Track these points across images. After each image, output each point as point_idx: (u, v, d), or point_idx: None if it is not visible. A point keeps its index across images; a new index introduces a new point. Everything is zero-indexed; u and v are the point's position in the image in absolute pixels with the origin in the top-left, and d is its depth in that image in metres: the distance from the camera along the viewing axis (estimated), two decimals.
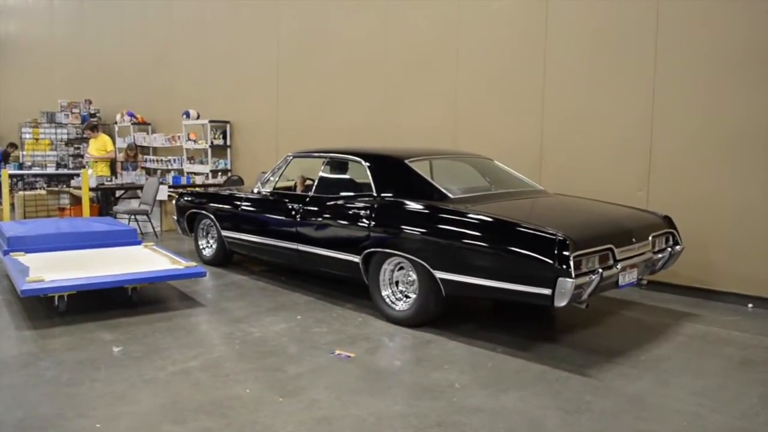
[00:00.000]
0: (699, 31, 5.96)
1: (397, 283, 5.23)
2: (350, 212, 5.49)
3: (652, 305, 5.86)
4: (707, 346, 4.75)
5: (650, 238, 4.96)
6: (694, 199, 6.05)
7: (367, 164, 5.62)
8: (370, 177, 5.53)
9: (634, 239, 4.74)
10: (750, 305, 5.87)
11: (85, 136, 11.35)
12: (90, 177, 9.26)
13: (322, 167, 6.12)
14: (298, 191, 6.55)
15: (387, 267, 5.22)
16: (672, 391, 3.90)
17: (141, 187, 9.76)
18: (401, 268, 5.16)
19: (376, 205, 5.33)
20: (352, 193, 5.69)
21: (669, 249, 5.19)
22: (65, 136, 13.74)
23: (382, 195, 5.38)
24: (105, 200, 9.89)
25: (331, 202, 5.73)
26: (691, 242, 5.71)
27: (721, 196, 5.93)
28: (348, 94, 9.14)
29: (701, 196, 6.03)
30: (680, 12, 6.06)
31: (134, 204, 9.79)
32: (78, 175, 9.62)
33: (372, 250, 5.23)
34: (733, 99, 5.81)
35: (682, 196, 6.10)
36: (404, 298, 5.17)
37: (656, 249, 5.05)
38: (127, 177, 10.26)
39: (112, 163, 11.61)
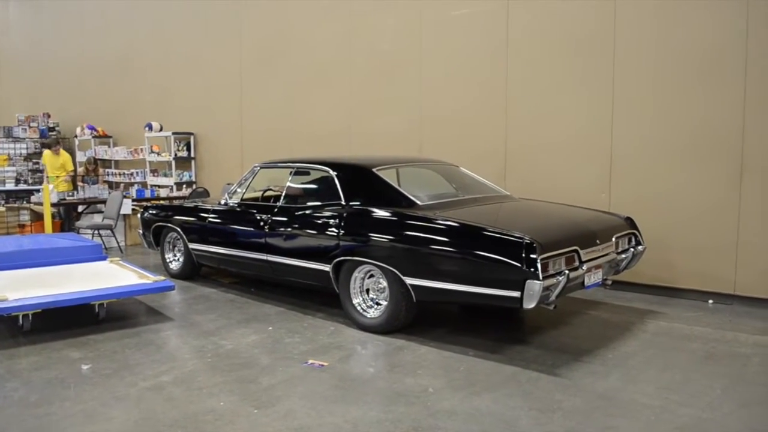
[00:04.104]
0: (656, 35, 6.14)
1: (368, 290, 5.26)
2: (319, 221, 5.50)
3: (618, 304, 5.99)
4: (672, 342, 4.88)
5: (614, 239, 5.08)
6: (655, 199, 6.22)
7: (335, 173, 5.65)
8: (339, 186, 5.55)
9: (598, 241, 4.86)
10: (710, 301, 6.05)
11: (53, 150, 11.00)
12: (51, 192, 9.09)
13: (290, 177, 6.13)
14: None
15: (357, 275, 5.24)
16: (639, 386, 4.00)
17: (104, 202, 9.61)
18: (371, 276, 5.20)
19: (345, 214, 5.36)
20: (320, 203, 5.70)
21: (632, 249, 5.32)
22: (24, 151, 13.45)
23: (351, 204, 5.41)
24: (67, 216, 9.72)
25: (300, 212, 5.74)
26: (653, 242, 5.86)
27: (681, 196, 6.10)
28: (313, 102, 9.16)
29: (661, 196, 6.20)
30: (637, 17, 6.24)
31: (97, 219, 9.64)
32: (38, 190, 9.44)
33: (342, 258, 5.25)
34: (691, 101, 5.99)
35: (643, 198, 6.26)
36: (375, 306, 5.20)
37: (620, 250, 5.17)
38: (88, 191, 10.10)
39: (73, 178, 11.40)
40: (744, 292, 5.89)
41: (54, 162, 10.89)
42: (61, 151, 11.22)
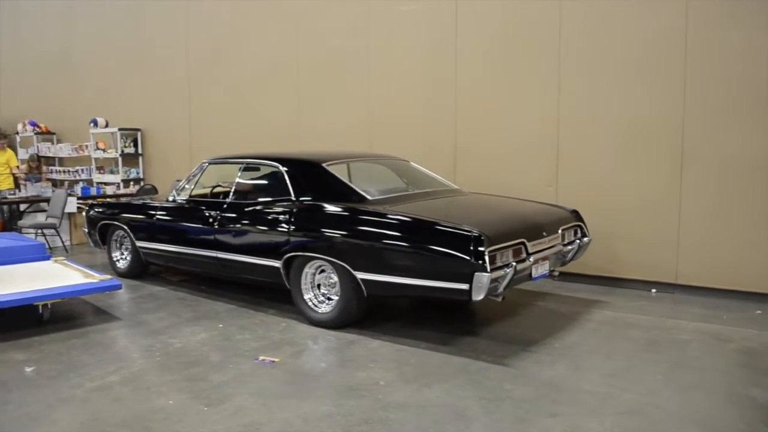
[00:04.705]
0: (599, 32, 6.30)
1: (319, 286, 5.26)
2: (269, 217, 5.47)
3: (564, 295, 6.14)
4: (616, 331, 5.03)
5: (560, 231, 5.20)
6: (600, 192, 6.38)
7: (285, 169, 5.62)
8: (288, 181, 5.53)
9: (544, 233, 4.96)
10: (653, 290, 6.24)
11: None
12: None
13: (239, 173, 6.07)
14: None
15: (308, 270, 5.24)
16: (584, 374, 4.12)
17: (47, 200, 9.34)
18: (322, 271, 5.20)
19: (295, 209, 5.34)
20: (270, 198, 5.67)
21: (578, 241, 5.46)
22: None
23: (301, 199, 5.40)
24: (11, 215, 9.41)
25: (250, 208, 5.70)
26: (599, 234, 6.02)
27: (624, 188, 6.28)
28: (262, 98, 9.08)
29: (606, 189, 6.37)
30: (581, 13, 6.39)
31: (41, 218, 9.37)
32: None
33: (292, 254, 5.23)
34: (632, 96, 6.17)
35: (588, 190, 6.42)
36: (327, 301, 5.21)
37: (566, 241, 5.30)
38: (31, 189, 9.80)
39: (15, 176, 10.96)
40: (685, 281, 6.11)
41: (1, 157, 10.34)
42: (7, 148, 10.73)
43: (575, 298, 6.02)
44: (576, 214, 5.66)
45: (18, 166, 10.72)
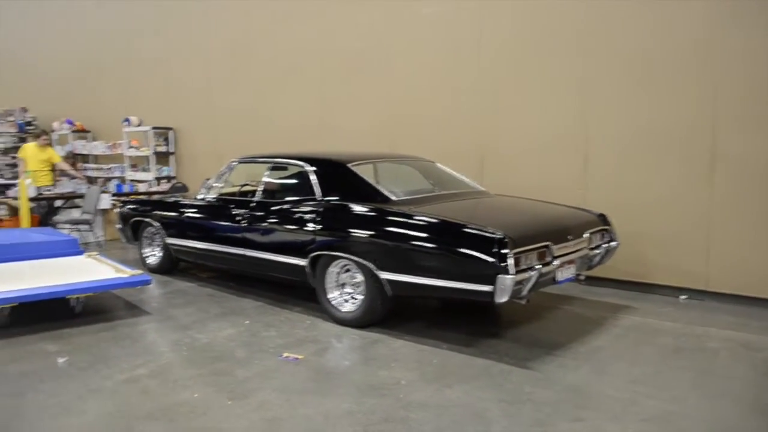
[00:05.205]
0: (627, 33, 6.23)
1: (343, 285, 5.30)
2: (295, 216, 5.53)
3: (591, 299, 6.09)
4: (642, 337, 4.98)
5: (586, 235, 5.16)
6: (629, 196, 6.31)
7: (312, 168, 5.68)
8: (315, 181, 5.59)
9: (570, 236, 4.93)
10: (683, 297, 6.15)
11: (39, 142, 10.35)
12: (28, 186, 9.02)
13: (267, 172, 6.14)
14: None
15: (333, 269, 5.29)
16: (609, 379, 4.08)
17: (82, 196, 9.56)
18: (347, 270, 5.24)
19: (321, 209, 5.39)
20: (296, 198, 5.73)
21: (605, 245, 5.40)
22: (1, 145, 13.30)
23: (327, 198, 5.45)
24: (47, 210, 9.63)
25: (276, 207, 5.77)
26: (628, 238, 5.95)
27: (653, 192, 6.20)
28: (286, 98, 9.17)
29: (635, 192, 6.29)
30: (608, 15, 6.32)
31: (76, 214, 9.58)
32: (15, 185, 9.34)
33: (318, 253, 5.29)
34: (662, 98, 6.08)
35: (617, 194, 6.35)
36: (351, 300, 5.25)
37: (592, 245, 5.26)
38: (67, 186, 10.01)
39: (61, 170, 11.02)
40: (716, 288, 5.99)
41: (38, 155, 10.18)
42: (48, 144, 10.60)
43: (602, 303, 5.96)
44: (603, 218, 5.61)
45: (60, 162, 10.65)
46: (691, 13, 5.88)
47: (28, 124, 13.59)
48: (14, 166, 13.00)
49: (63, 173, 10.53)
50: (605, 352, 4.61)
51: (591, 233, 5.25)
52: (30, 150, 10.11)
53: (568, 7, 6.56)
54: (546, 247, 4.59)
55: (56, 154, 10.59)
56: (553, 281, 4.74)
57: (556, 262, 4.61)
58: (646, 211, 6.24)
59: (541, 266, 4.42)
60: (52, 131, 13.13)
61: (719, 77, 5.77)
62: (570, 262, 4.85)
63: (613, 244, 5.51)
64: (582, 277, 5.33)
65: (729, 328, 5.21)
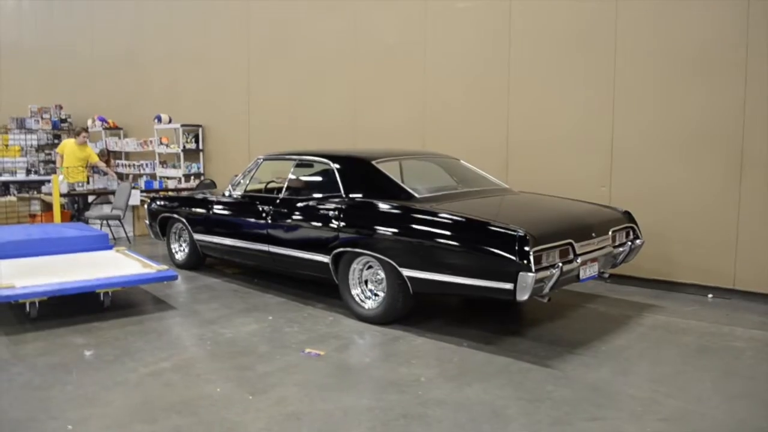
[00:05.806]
0: (657, 30, 6.15)
1: (366, 281, 5.33)
2: (319, 213, 5.58)
3: (616, 298, 6.03)
4: (666, 336, 4.92)
5: (610, 232, 5.11)
6: (655, 193, 6.23)
7: (336, 166, 5.72)
8: (339, 178, 5.63)
9: (594, 234, 4.89)
10: (710, 296, 6.06)
11: (79, 140, 10.40)
12: (61, 183, 9.22)
13: (292, 169, 6.20)
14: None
15: (356, 266, 5.32)
16: (630, 378, 4.05)
17: (113, 192, 9.74)
18: (370, 267, 5.27)
19: (344, 206, 5.43)
20: (321, 195, 5.77)
21: (629, 243, 5.35)
22: (35, 142, 13.62)
23: (351, 196, 5.48)
24: (79, 206, 9.84)
25: (301, 204, 5.82)
26: (653, 236, 5.89)
27: (681, 190, 6.12)
28: (318, 96, 9.23)
29: (661, 190, 6.21)
30: (638, 11, 6.24)
31: (106, 209, 9.77)
32: (49, 181, 9.55)
33: (341, 249, 5.32)
34: (691, 96, 6.00)
35: (643, 191, 6.28)
36: (373, 297, 5.28)
37: (617, 243, 5.20)
38: (98, 182, 10.21)
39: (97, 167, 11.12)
40: (743, 287, 5.90)
41: (77, 152, 10.19)
42: (87, 142, 10.59)
43: (626, 301, 5.91)
44: (628, 216, 5.55)
45: (97, 161, 10.72)
46: (723, 12, 5.78)
47: (63, 121, 13.90)
48: (48, 162, 13.33)
49: (96, 169, 10.69)
50: (628, 351, 4.57)
51: (615, 231, 5.20)
52: (69, 146, 10.21)
53: (599, 3, 6.49)
54: (569, 244, 4.57)
55: (94, 153, 10.57)
56: (576, 279, 4.71)
57: (578, 260, 4.58)
58: (672, 209, 6.16)
59: (563, 264, 4.39)
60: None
61: (750, 76, 5.66)
62: (593, 260, 4.82)
63: (638, 242, 5.45)
64: (606, 275, 5.28)
65: (756, 327, 5.13)
